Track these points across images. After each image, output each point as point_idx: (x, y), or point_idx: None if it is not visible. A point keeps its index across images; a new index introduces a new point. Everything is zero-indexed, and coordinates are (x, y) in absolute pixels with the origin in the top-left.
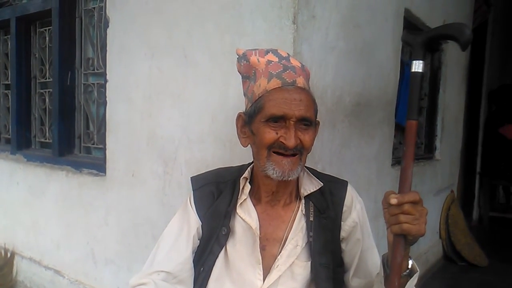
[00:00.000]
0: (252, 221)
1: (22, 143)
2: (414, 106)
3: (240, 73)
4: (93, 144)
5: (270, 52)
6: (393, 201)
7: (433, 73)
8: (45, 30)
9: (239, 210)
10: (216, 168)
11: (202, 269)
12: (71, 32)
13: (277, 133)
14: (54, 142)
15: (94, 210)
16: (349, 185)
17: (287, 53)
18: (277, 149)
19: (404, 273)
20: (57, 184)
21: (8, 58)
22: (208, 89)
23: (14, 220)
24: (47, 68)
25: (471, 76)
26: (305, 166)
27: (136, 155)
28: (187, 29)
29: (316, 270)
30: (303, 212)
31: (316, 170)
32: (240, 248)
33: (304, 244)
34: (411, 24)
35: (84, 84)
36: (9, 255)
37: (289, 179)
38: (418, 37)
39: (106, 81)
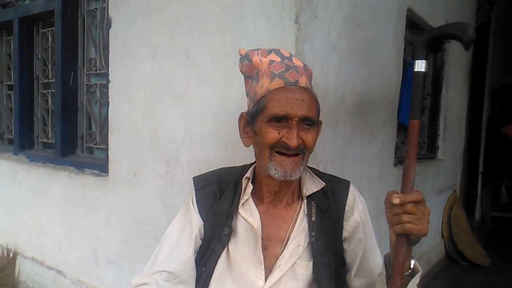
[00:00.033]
0: (254, 221)
1: (24, 143)
2: (417, 105)
3: (243, 73)
4: (96, 144)
5: (273, 52)
6: (396, 200)
7: (436, 73)
8: (48, 30)
9: (241, 210)
10: (218, 168)
11: (204, 269)
12: (73, 33)
13: (279, 133)
14: (57, 142)
15: (96, 210)
16: (351, 185)
17: (290, 53)
18: (280, 149)
19: (406, 273)
20: (60, 184)
21: (11, 58)
22: (210, 89)
23: (16, 220)
24: (50, 68)
25: (473, 75)
26: (307, 166)
27: (138, 155)
28: (189, 29)
29: (318, 270)
30: (305, 212)
31: (318, 170)
32: (242, 248)
33: (306, 244)
34: (413, 24)
35: (86, 84)
36: (11, 255)
37: (291, 179)
38: (421, 37)
39: (108, 81)
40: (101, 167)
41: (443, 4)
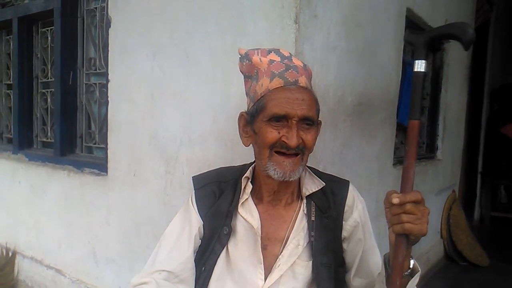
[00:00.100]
0: (253, 220)
1: (24, 142)
2: (416, 105)
3: (242, 73)
4: (95, 143)
5: (272, 52)
6: (395, 200)
7: (435, 73)
8: (47, 30)
9: (240, 210)
10: (218, 167)
11: (203, 268)
12: (73, 32)
13: (279, 133)
14: (56, 141)
15: (95, 209)
16: (350, 184)
17: (289, 53)
18: (279, 148)
19: (406, 273)
20: (59, 183)
21: (10, 58)
22: (210, 88)
23: (15, 220)
24: (49, 68)
25: (473, 75)
26: (307, 166)
27: (137, 155)
28: (188, 29)
29: (318, 270)
30: (305, 211)
31: (317, 170)
32: (242, 248)
33: (305, 244)
34: (413, 24)
35: (86, 84)
36: (10, 254)
37: (291, 180)
38: (421, 37)
39: (108, 81)
40: (101, 166)
41: (442, 4)
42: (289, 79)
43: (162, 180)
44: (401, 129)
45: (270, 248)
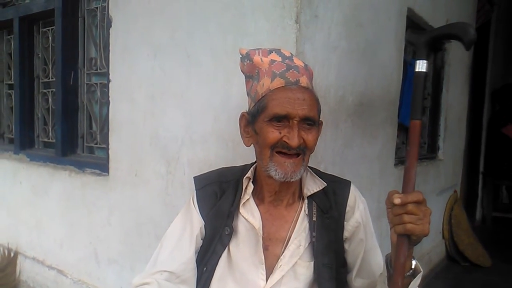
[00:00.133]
0: (255, 221)
1: (25, 143)
2: (417, 105)
3: (243, 73)
4: (96, 144)
5: (273, 52)
6: (397, 201)
7: (436, 73)
8: (48, 30)
9: (242, 210)
10: (219, 167)
11: (205, 268)
12: (74, 32)
13: (280, 133)
14: (57, 141)
15: (97, 210)
16: (352, 185)
17: (290, 53)
18: (280, 148)
19: (408, 273)
20: (60, 184)
21: (11, 58)
22: (211, 88)
23: (17, 220)
24: (50, 68)
25: (474, 75)
26: (308, 166)
27: (139, 155)
28: (189, 29)
29: (319, 270)
30: (306, 212)
31: (319, 170)
32: (243, 248)
33: (307, 244)
34: (414, 24)
35: (87, 84)
36: (12, 254)
37: (292, 180)
38: (422, 37)
39: (109, 81)
40: (102, 166)
41: (443, 4)
42: (290, 79)
43: (163, 180)
44: (402, 129)
45: (271, 249)
